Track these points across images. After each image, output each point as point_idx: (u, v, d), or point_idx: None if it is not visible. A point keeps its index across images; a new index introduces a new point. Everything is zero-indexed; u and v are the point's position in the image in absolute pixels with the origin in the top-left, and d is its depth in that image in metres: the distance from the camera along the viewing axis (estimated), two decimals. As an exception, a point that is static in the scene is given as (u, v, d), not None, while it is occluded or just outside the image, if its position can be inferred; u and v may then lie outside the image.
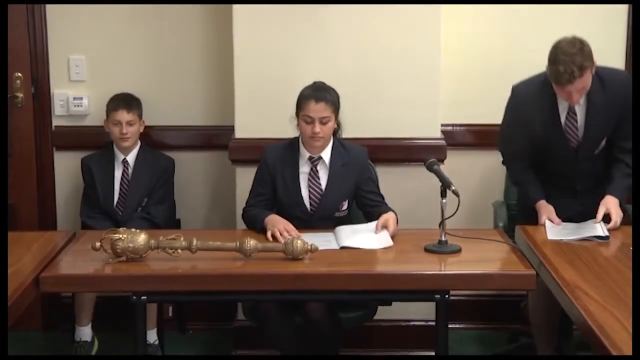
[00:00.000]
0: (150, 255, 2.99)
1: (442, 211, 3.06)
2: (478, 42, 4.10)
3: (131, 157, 3.95)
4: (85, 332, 3.90)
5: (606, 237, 3.15)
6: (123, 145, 3.91)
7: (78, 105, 4.15)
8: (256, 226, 3.33)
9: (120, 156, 3.94)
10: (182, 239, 3.00)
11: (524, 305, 3.86)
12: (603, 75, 3.32)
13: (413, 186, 3.82)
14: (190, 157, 4.18)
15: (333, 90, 3.41)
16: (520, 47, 3.95)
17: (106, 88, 4.04)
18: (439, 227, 3.08)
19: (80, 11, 4.09)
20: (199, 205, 4.25)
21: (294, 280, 2.93)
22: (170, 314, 4.18)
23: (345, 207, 3.46)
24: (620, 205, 3.34)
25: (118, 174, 3.94)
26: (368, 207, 3.44)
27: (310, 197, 3.43)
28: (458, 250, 3.08)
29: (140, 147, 3.97)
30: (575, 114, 3.36)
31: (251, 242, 2.97)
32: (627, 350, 2.15)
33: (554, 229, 3.27)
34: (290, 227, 3.23)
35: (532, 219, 3.42)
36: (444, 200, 3.07)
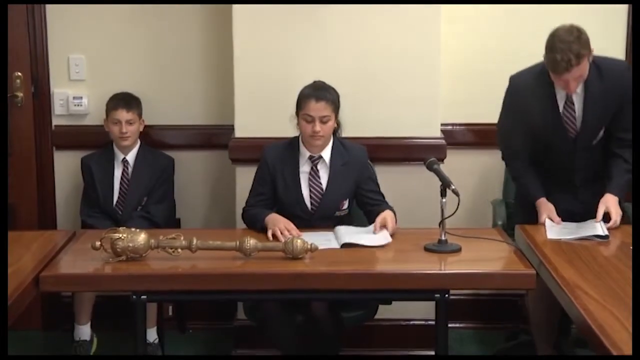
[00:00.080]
0: (150, 254, 2.99)
1: (442, 210, 3.06)
2: (478, 41, 4.10)
3: (131, 157, 3.95)
4: (84, 331, 3.90)
5: (606, 237, 3.15)
6: (122, 145, 3.91)
7: (78, 105, 4.15)
8: (256, 225, 3.33)
9: (120, 155, 3.94)
10: (182, 238, 3.00)
11: (522, 303, 3.87)
12: (601, 65, 3.32)
13: (413, 185, 3.82)
14: (190, 156, 4.18)
15: (333, 89, 3.41)
16: (520, 47, 3.94)
17: (106, 87, 4.04)
18: (439, 226, 3.08)
19: (80, 11, 4.09)
20: (198, 205, 4.25)
21: (294, 279, 2.93)
22: (170, 313, 4.19)
23: (345, 206, 3.46)
24: (620, 204, 3.34)
25: (118, 173, 3.94)
26: (368, 206, 3.44)
27: (311, 197, 3.43)
28: (458, 250, 3.08)
29: (140, 146, 3.97)
30: (573, 104, 3.36)
31: (251, 242, 2.97)
32: (627, 350, 2.15)
33: (554, 229, 3.26)
34: (291, 226, 3.23)
35: (531, 215, 3.41)
36: (443, 200, 3.07)
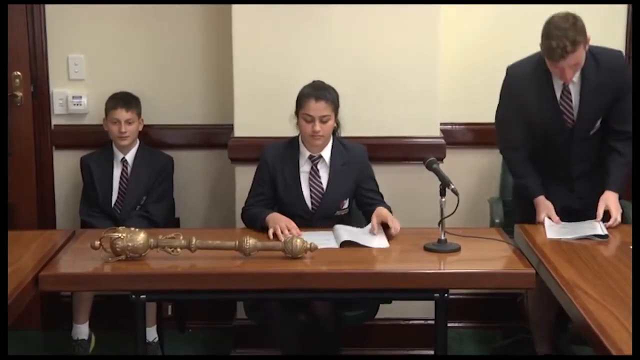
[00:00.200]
0: (150, 254, 2.98)
1: (442, 210, 3.07)
2: (477, 41, 4.10)
3: (130, 156, 3.95)
4: (82, 330, 3.90)
5: (605, 236, 3.15)
6: (122, 144, 3.91)
7: (77, 104, 4.15)
8: (256, 225, 3.33)
9: (119, 155, 3.94)
10: (181, 237, 3.00)
11: (520, 301, 3.87)
12: (597, 55, 3.32)
13: (412, 185, 3.82)
14: (189, 156, 4.18)
15: (332, 89, 3.41)
16: (519, 47, 3.91)
17: (105, 87, 4.04)
18: (438, 225, 3.08)
19: (79, 11, 4.09)
20: (198, 204, 4.25)
21: (294, 279, 2.93)
22: (170, 312, 4.19)
23: (346, 205, 3.46)
24: (620, 199, 3.34)
25: (117, 172, 3.94)
26: (367, 206, 3.43)
27: (311, 196, 3.44)
28: (457, 249, 3.08)
29: (139, 145, 3.97)
30: (570, 93, 3.36)
31: (250, 241, 2.97)
32: (627, 350, 2.15)
33: (553, 228, 3.26)
34: (292, 224, 3.22)
35: (529, 212, 3.41)
36: (443, 199, 3.07)
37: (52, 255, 3.02)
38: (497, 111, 3.54)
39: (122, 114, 3.89)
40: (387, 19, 3.77)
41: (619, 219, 3.28)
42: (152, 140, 4.11)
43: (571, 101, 3.36)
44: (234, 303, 3.95)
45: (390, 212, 3.35)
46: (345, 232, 3.21)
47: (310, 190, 3.44)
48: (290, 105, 3.43)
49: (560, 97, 3.36)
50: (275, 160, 3.45)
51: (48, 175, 4.22)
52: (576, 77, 3.31)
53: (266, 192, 3.44)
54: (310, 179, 3.44)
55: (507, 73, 3.45)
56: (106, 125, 3.94)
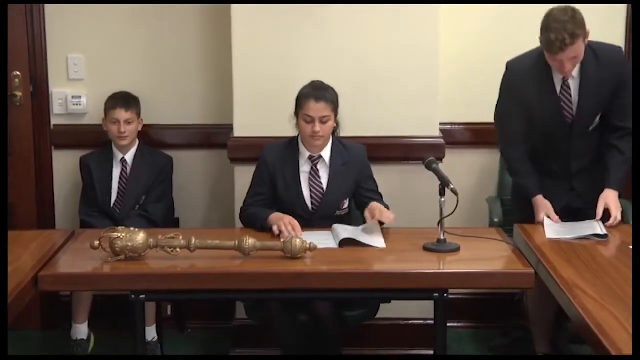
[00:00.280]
0: (149, 254, 2.98)
1: (441, 210, 3.07)
2: (476, 41, 4.11)
3: (129, 156, 3.95)
4: (81, 330, 3.90)
5: (605, 236, 3.15)
6: (121, 144, 3.91)
7: (77, 104, 4.15)
8: (257, 224, 3.33)
9: (118, 155, 3.94)
10: (180, 237, 3.00)
11: (517, 299, 3.87)
12: (597, 49, 3.33)
13: (412, 185, 3.83)
14: (189, 155, 4.18)
15: (332, 89, 3.41)
16: (518, 47, 3.92)
17: (105, 87, 4.04)
18: (438, 225, 3.09)
19: (78, 10, 4.09)
20: (197, 204, 4.25)
21: (293, 278, 2.93)
22: (169, 312, 4.19)
23: (346, 205, 3.47)
24: (620, 198, 3.34)
25: (116, 172, 3.94)
26: (366, 206, 3.42)
27: (311, 196, 3.44)
28: (457, 249, 3.08)
29: (138, 145, 3.97)
30: (570, 88, 3.36)
31: (250, 241, 2.97)
32: (626, 350, 2.15)
33: (553, 228, 3.26)
34: (295, 222, 3.22)
35: (529, 212, 3.42)
36: (442, 199, 3.07)
37: (51, 255, 3.02)
38: (496, 107, 3.54)
39: (122, 114, 3.89)
40: (387, 19, 3.77)
41: (619, 217, 3.29)
42: (152, 140, 4.11)
43: (570, 96, 3.36)
44: (234, 303, 3.95)
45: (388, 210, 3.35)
46: (344, 230, 3.22)
47: (311, 190, 3.44)
48: (289, 105, 3.43)
49: (560, 91, 3.36)
50: (275, 160, 3.45)
51: (47, 175, 4.22)
52: (576, 72, 3.32)
53: (265, 193, 3.44)
54: (310, 179, 3.44)
55: (507, 68, 3.45)
56: (105, 125, 3.94)
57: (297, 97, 3.41)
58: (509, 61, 3.46)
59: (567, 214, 3.38)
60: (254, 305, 3.37)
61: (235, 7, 3.76)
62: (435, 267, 2.98)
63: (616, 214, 3.28)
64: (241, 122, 3.84)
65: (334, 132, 3.47)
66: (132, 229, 2.99)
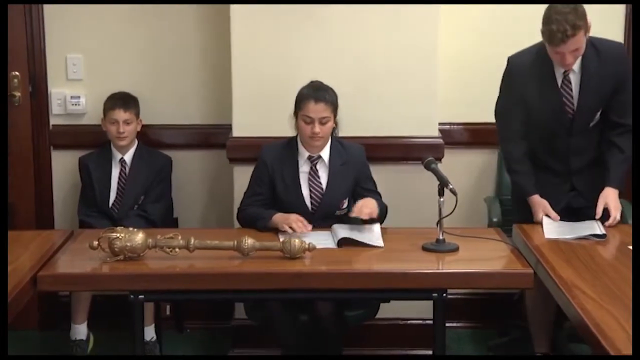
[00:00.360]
0: (148, 254, 2.98)
1: (440, 210, 3.07)
2: (475, 41, 4.10)
3: (128, 156, 3.95)
4: (80, 331, 3.90)
5: (603, 236, 3.15)
6: (120, 144, 3.91)
7: (75, 104, 4.15)
8: (258, 224, 3.32)
9: (117, 155, 3.94)
10: (179, 237, 3.00)
11: (516, 299, 3.87)
12: (598, 45, 3.33)
13: (411, 185, 3.82)
14: (187, 155, 4.18)
15: (331, 89, 3.41)
16: (517, 47, 3.93)
17: (104, 87, 4.04)
18: (437, 225, 3.09)
19: (77, 11, 4.09)
20: (196, 204, 4.24)
21: (292, 279, 2.93)
22: (168, 312, 4.18)
23: (345, 205, 3.47)
24: (620, 196, 3.35)
25: (115, 173, 3.94)
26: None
27: (311, 197, 3.44)
28: (455, 249, 3.08)
29: (137, 145, 3.97)
30: (570, 82, 3.35)
31: (249, 241, 2.97)
32: (625, 349, 2.15)
33: (551, 228, 3.26)
34: (303, 219, 3.24)
35: (529, 212, 3.41)
36: (441, 199, 3.08)
37: (50, 255, 3.02)
38: (496, 104, 3.53)
39: (121, 115, 3.88)
40: (386, 19, 3.77)
41: (618, 217, 3.29)
42: (151, 140, 4.10)
43: (571, 90, 3.36)
44: (232, 303, 3.95)
45: (386, 209, 3.36)
46: (343, 230, 3.22)
47: (310, 190, 3.44)
48: (288, 106, 3.43)
49: (561, 86, 3.36)
50: (274, 161, 3.44)
51: (46, 175, 4.21)
52: (577, 67, 3.32)
53: (264, 193, 3.44)
54: (309, 180, 3.44)
55: (508, 63, 3.45)
56: (104, 126, 3.94)
57: (297, 97, 3.41)
58: (510, 56, 3.45)
59: (568, 214, 3.38)
60: (254, 306, 3.37)
61: (234, 7, 3.76)
62: (434, 267, 2.98)
63: (615, 214, 3.28)
64: (240, 122, 3.84)
65: (333, 132, 3.47)
66: (130, 229, 2.99)
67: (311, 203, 3.43)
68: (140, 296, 2.92)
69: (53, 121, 4.19)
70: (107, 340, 3.98)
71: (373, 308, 3.43)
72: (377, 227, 3.26)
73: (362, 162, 3.50)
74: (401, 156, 3.86)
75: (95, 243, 2.95)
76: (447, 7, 3.93)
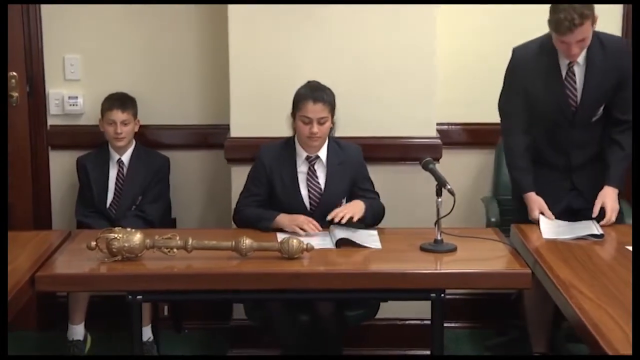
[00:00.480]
0: (146, 254, 2.98)
1: (438, 210, 3.07)
2: (474, 41, 4.10)
3: (126, 157, 3.94)
4: (77, 331, 3.90)
5: (601, 236, 3.15)
6: (117, 145, 3.91)
7: (73, 105, 4.15)
8: (259, 225, 3.32)
9: (115, 156, 3.94)
10: (177, 238, 3.00)
11: (514, 299, 3.87)
12: (603, 40, 3.33)
13: (409, 185, 3.82)
14: (185, 156, 4.18)
15: (329, 89, 3.41)
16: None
17: (101, 87, 4.04)
18: (435, 226, 3.09)
19: (75, 11, 4.08)
20: (194, 205, 4.24)
21: (290, 279, 2.93)
22: (166, 313, 4.18)
23: (343, 205, 3.46)
24: (620, 196, 3.35)
25: (113, 173, 3.94)
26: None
27: (309, 197, 3.44)
28: (454, 249, 3.08)
29: (135, 146, 3.97)
30: (575, 75, 3.35)
31: (247, 242, 2.97)
32: (622, 349, 2.15)
33: (549, 228, 3.27)
34: (311, 219, 3.24)
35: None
36: (439, 199, 3.08)
37: (48, 255, 3.02)
38: (500, 98, 3.53)
39: (118, 115, 3.88)
40: (385, 19, 3.77)
41: (613, 219, 3.29)
42: (149, 140, 4.10)
43: (575, 83, 3.36)
44: (231, 303, 3.95)
45: (384, 210, 3.37)
46: (341, 231, 3.22)
47: (309, 190, 3.44)
48: (287, 106, 3.43)
49: (565, 77, 3.36)
50: (272, 161, 3.44)
51: (44, 176, 4.21)
52: (581, 59, 3.32)
53: (262, 193, 3.44)
54: (308, 180, 3.44)
55: (512, 54, 3.45)
56: (102, 126, 3.94)
57: (294, 98, 3.41)
58: (515, 47, 3.45)
59: (569, 215, 3.38)
60: (253, 306, 3.37)
61: (232, 7, 3.75)
62: (432, 268, 2.99)
63: (610, 215, 3.28)
64: (238, 123, 3.84)
65: (330, 132, 3.47)
66: (128, 229, 2.99)
67: (310, 203, 3.43)
68: (138, 296, 2.92)
69: (50, 121, 4.19)
70: (105, 340, 3.98)
71: (373, 308, 3.43)
72: (374, 230, 3.26)
73: (359, 162, 3.50)
74: (399, 156, 3.86)
75: (93, 243, 2.95)
76: (445, 8, 3.93)
